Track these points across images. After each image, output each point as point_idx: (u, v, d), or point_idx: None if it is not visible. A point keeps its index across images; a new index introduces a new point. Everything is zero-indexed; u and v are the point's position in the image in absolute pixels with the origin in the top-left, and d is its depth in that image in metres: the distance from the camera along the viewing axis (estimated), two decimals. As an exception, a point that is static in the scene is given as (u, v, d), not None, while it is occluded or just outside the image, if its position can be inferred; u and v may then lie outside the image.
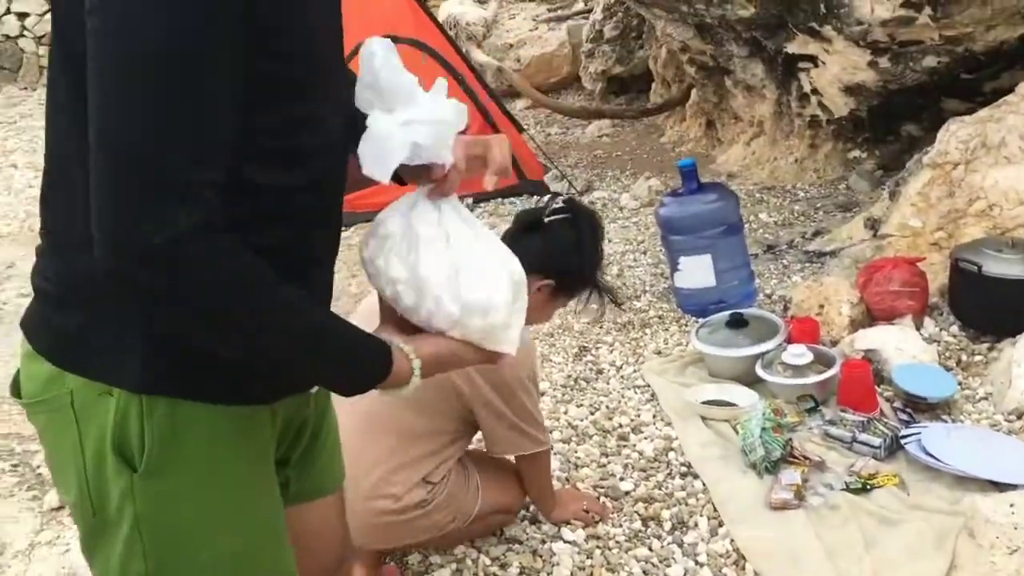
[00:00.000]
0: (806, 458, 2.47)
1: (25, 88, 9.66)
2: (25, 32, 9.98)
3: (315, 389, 1.24)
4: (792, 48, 4.68)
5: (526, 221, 2.16)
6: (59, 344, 1.07)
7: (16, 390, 1.13)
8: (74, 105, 0.95)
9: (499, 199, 5.17)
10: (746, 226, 3.86)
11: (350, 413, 1.72)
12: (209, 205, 0.91)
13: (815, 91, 4.81)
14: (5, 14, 9.96)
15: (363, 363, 1.09)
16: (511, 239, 2.05)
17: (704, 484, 2.48)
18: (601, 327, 3.49)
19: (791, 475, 2.39)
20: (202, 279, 0.92)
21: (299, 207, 1.08)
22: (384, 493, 2.01)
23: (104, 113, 0.89)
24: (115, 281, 0.92)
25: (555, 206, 2.14)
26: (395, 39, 4.95)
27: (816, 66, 4.66)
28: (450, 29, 7.80)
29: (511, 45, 8.19)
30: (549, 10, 8.66)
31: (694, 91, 6.11)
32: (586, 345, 3.38)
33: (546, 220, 2.11)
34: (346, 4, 4.55)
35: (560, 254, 2.09)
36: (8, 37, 10.00)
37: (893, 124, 4.84)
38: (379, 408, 1.98)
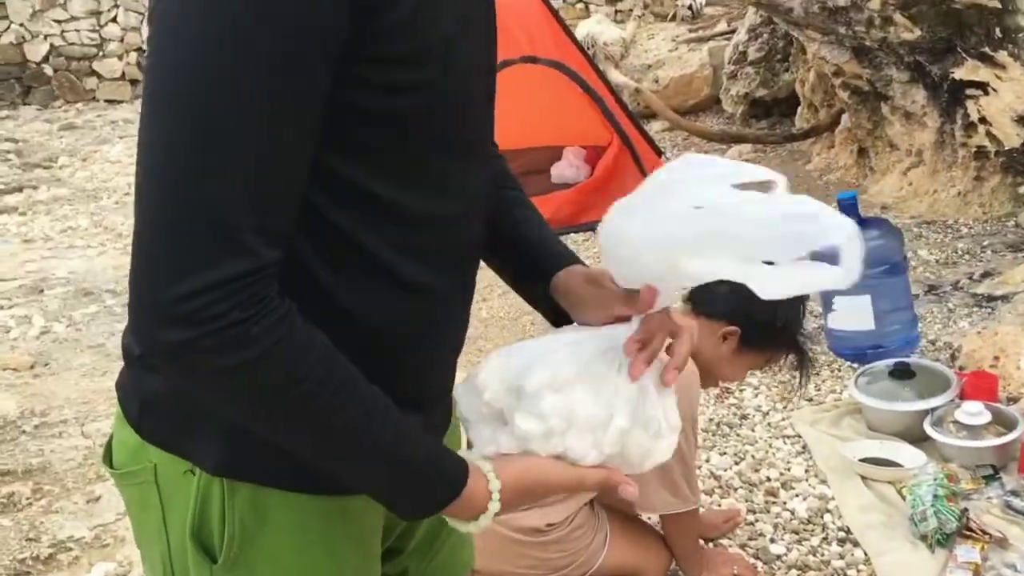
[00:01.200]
0: (985, 533, 2.21)
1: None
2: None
3: None
4: (960, 74, 4.36)
5: None
6: (142, 412, 0.95)
7: (108, 457, 1.02)
8: None
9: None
10: (908, 264, 3.58)
11: None
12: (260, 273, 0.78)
13: (983, 120, 4.46)
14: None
15: (434, 482, 0.90)
16: (704, 290, 1.91)
17: (866, 554, 2.24)
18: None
19: (968, 552, 2.14)
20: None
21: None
22: None
23: None
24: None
25: None
26: (535, 60, 4.81)
27: (986, 93, 4.32)
28: (588, 48, 7.70)
29: (649, 65, 8.02)
30: (690, 30, 8.45)
31: (844, 116, 5.79)
32: (729, 386, 3.17)
33: None
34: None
35: (753, 301, 1.92)
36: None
37: (1071, 158, 4.45)
38: None
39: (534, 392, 0.91)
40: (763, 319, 1.94)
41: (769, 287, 0.91)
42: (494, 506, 0.91)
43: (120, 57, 10.54)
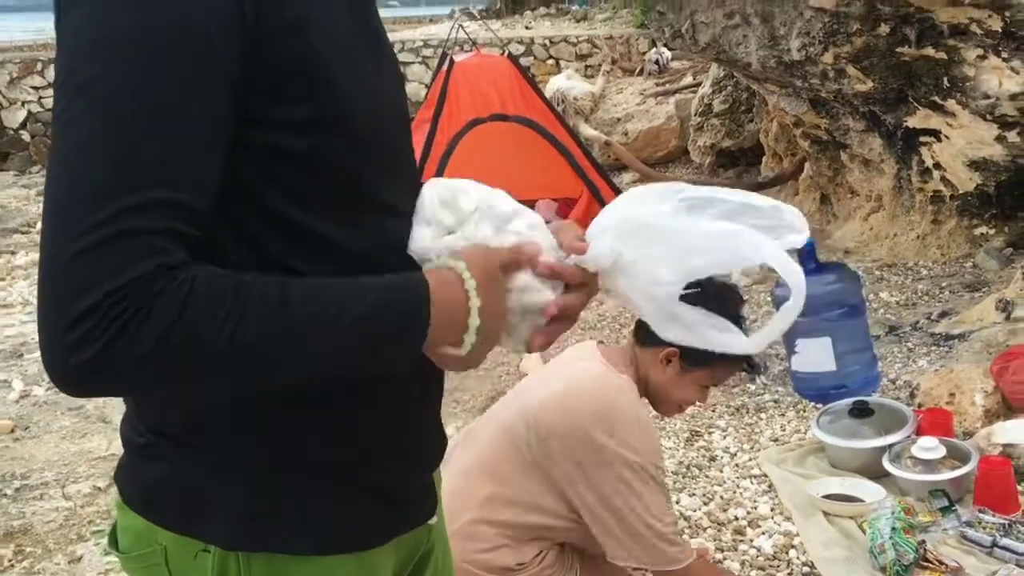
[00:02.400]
0: (942, 563, 2.29)
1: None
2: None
3: (434, 519, 1.11)
4: (913, 122, 4.53)
5: None
6: (147, 500, 0.96)
7: (113, 541, 1.03)
8: None
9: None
10: (866, 305, 3.69)
11: (466, 451, 1.80)
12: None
13: (938, 165, 4.63)
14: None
15: (405, 303, 0.88)
16: (643, 322, 2.00)
17: (829, 587, 2.32)
18: (714, 410, 3.36)
19: (926, 582, 2.22)
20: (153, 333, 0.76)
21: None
22: (472, 534, 1.92)
23: None
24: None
25: None
26: (506, 118, 4.97)
27: (939, 140, 4.49)
28: (558, 104, 7.89)
29: (619, 119, 8.22)
30: (657, 84, 8.67)
31: (807, 165, 5.98)
32: (698, 429, 3.26)
33: None
34: (459, 84, 4.67)
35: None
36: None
37: (1023, 200, 4.61)
38: (487, 449, 1.96)
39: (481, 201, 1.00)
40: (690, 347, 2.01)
41: (671, 331, 1.03)
42: (471, 284, 0.91)
43: (98, 122, 10.66)
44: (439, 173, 5.29)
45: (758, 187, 6.63)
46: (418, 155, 5.39)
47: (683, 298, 2.05)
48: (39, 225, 6.18)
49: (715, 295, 2.10)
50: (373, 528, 1.00)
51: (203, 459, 0.94)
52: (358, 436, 0.98)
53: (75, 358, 0.75)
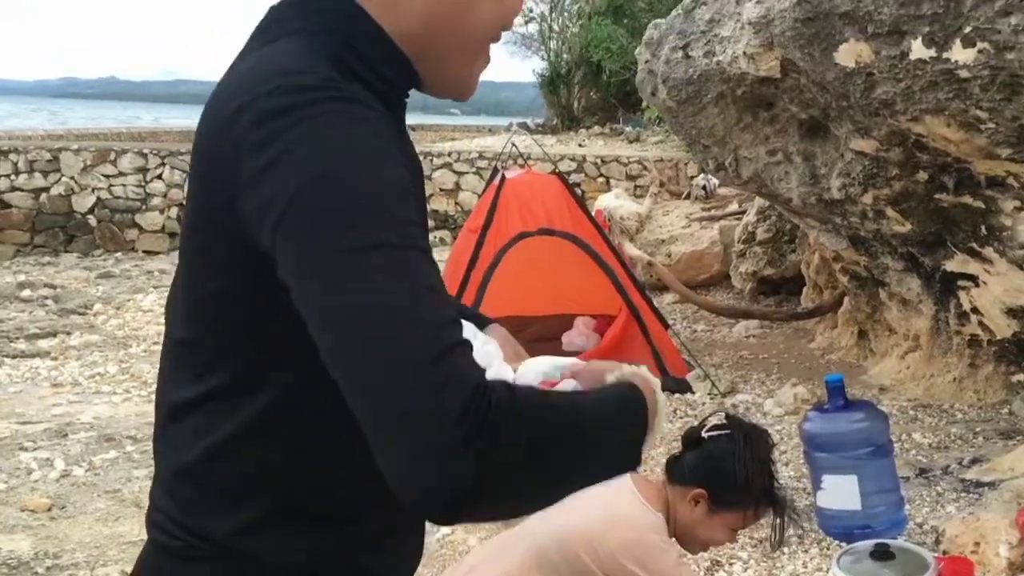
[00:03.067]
0: None
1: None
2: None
3: None
4: (951, 266, 4.59)
5: (687, 440, 2.19)
6: None
7: None
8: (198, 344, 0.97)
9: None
10: (898, 445, 3.70)
11: (493, 567, 1.94)
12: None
13: (976, 310, 4.67)
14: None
15: (633, 411, 1.01)
16: (675, 460, 2.11)
17: None
18: (736, 542, 3.35)
19: None
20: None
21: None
22: None
23: None
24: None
25: (714, 422, 2.16)
26: (551, 232, 5.14)
27: (977, 285, 4.54)
28: (604, 222, 8.08)
29: (663, 240, 8.38)
30: (703, 209, 8.85)
31: (847, 299, 6.03)
32: (719, 559, 3.26)
33: (705, 436, 2.13)
34: (509, 200, 4.87)
35: (713, 464, 2.10)
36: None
37: (1062, 349, 4.61)
38: (516, 572, 2.00)
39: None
40: (724, 479, 2.08)
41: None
42: (661, 400, 1.06)
43: (162, 211, 11.11)
44: (484, 283, 5.44)
45: (796, 317, 6.69)
46: (464, 265, 5.58)
47: (711, 436, 2.13)
48: (96, 307, 6.42)
49: (745, 435, 2.17)
50: None
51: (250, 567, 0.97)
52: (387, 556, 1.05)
53: (462, 460, 0.77)
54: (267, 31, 0.97)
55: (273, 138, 0.84)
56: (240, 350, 0.95)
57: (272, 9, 1.00)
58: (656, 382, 1.07)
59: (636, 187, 11.07)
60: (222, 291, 0.94)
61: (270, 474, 0.97)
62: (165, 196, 11.13)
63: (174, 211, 11.04)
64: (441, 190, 11.52)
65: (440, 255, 5.25)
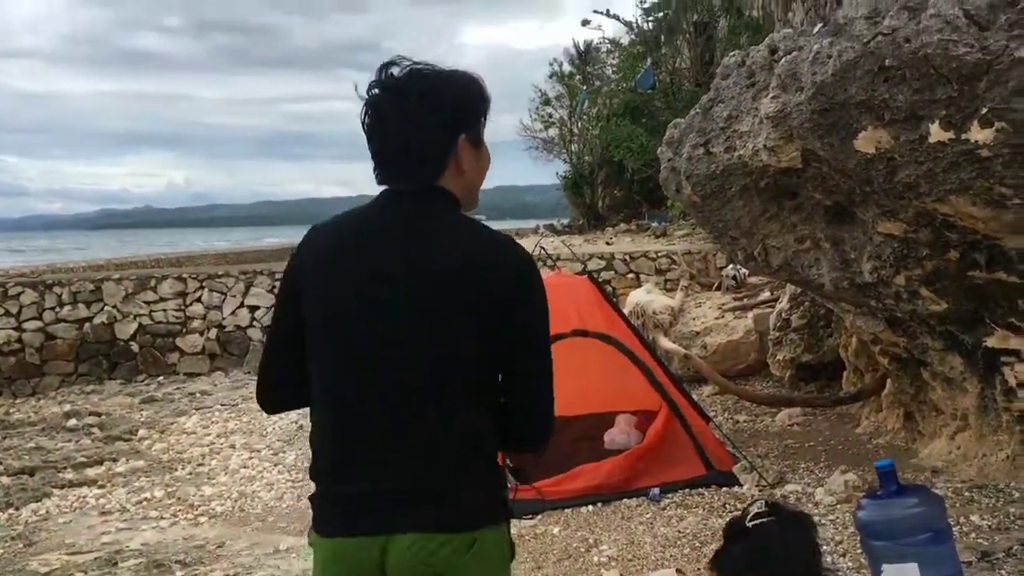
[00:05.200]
0: None
1: (248, 372, 10.62)
2: (254, 323, 11.21)
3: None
4: (992, 342, 4.56)
5: (729, 531, 2.18)
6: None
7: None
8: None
9: (686, 489, 5.10)
10: (956, 529, 3.62)
11: None
12: None
13: (1021, 386, 4.61)
14: (239, 307, 11.30)
15: None
16: (722, 552, 2.10)
17: None
18: (799, 639, 3.27)
19: None
20: None
21: None
22: None
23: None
24: None
25: (756, 511, 2.15)
26: (585, 333, 5.17)
27: (1020, 360, 4.49)
28: (637, 318, 8.12)
29: (697, 332, 8.38)
30: (735, 299, 8.87)
31: (889, 381, 5.97)
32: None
33: (749, 525, 2.13)
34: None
35: (763, 554, 2.08)
36: (239, 327, 11.25)
37: (1115, 420, 4.52)
38: None
39: None
40: (776, 564, 2.07)
41: None
42: None
43: (201, 333, 11.30)
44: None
45: (839, 402, 6.61)
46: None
47: (755, 524, 2.13)
48: (140, 432, 6.50)
49: (789, 519, 2.17)
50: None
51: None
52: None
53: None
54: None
55: None
56: None
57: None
58: None
59: (666, 281, 11.13)
60: None
61: None
62: (204, 318, 11.34)
63: (214, 332, 11.23)
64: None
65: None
